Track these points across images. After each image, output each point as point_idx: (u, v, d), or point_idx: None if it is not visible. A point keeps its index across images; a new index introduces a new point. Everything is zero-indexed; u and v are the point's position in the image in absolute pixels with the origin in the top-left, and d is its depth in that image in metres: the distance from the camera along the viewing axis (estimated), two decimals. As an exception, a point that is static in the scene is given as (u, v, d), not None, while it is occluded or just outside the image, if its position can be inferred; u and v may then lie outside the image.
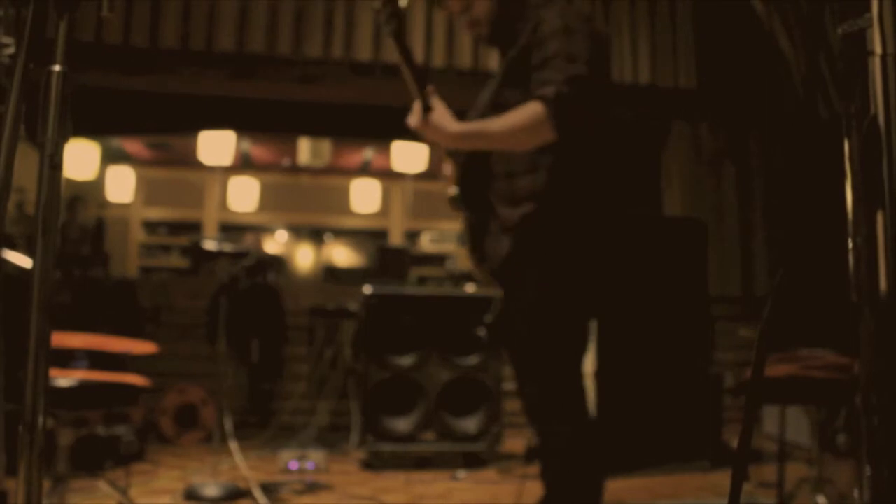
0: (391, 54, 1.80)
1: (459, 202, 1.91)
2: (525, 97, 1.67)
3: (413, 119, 1.76)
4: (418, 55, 4.54)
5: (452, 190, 1.92)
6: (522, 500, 2.58)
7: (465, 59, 4.62)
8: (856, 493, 0.91)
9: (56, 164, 1.02)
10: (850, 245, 0.88)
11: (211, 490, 2.81)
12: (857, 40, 0.88)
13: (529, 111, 1.64)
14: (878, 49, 0.86)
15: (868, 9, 0.87)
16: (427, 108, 1.74)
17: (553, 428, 1.75)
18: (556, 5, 1.78)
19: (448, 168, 1.96)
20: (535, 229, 1.75)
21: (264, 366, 4.22)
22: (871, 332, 0.85)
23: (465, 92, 4.74)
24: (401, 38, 1.73)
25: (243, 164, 8.05)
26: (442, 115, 1.73)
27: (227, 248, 3.38)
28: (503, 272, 1.83)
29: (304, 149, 7.10)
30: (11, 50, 1.27)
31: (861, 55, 0.87)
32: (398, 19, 1.72)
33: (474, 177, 1.87)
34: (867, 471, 0.84)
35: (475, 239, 1.91)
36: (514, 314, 1.82)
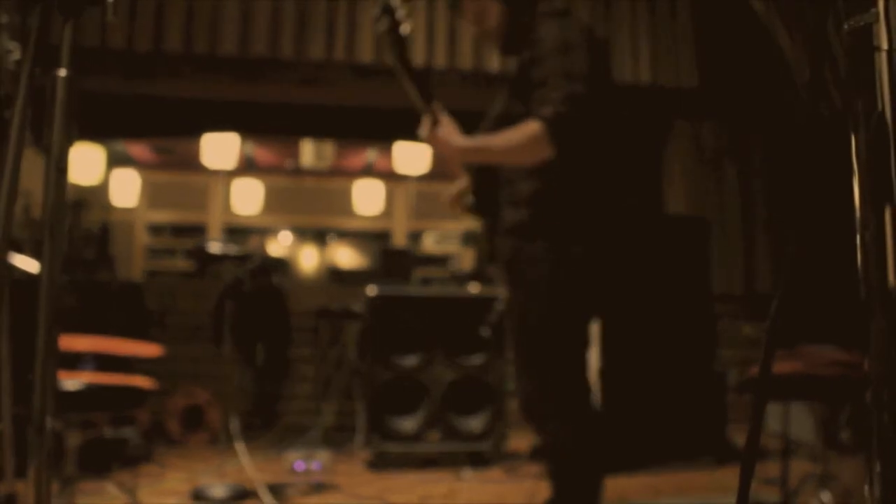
0: (395, 69, 1.88)
1: (474, 208, 2.01)
2: (527, 111, 1.74)
3: (422, 132, 1.86)
4: (420, 56, 4.55)
5: (469, 198, 2.03)
6: (535, 500, 2.59)
7: (466, 61, 4.63)
8: (865, 490, 0.91)
9: (62, 167, 1.03)
10: (858, 241, 0.88)
11: (217, 491, 2.83)
12: (863, 36, 0.88)
13: (529, 130, 1.71)
14: (884, 45, 0.87)
15: (873, 4, 0.87)
16: (435, 123, 1.83)
17: (554, 427, 1.80)
18: (558, 20, 1.83)
19: (461, 176, 2.06)
20: (533, 231, 1.82)
21: (270, 367, 4.23)
22: (880, 328, 0.86)
23: (466, 92, 4.79)
24: (405, 61, 1.83)
25: (247, 167, 8.07)
26: (448, 130, 1.83)
27: (232, 251, 3.39)
28: (507, 272, 1.91)
29: (307, 151, 7.11)
30: (17, 56, 1.29)
31: (867, 51, 0.87)
32: (401, 44, 1.82)
33: (487, 184, 1.96)
34: (877, 467, 0.84)
35: (489, 240, 2.01)
36: (515, 313, 1.90)
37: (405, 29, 1.82)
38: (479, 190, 2.00)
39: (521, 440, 3.90)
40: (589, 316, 1.87)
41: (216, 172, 7.50)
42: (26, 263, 1.71)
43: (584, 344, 1.86)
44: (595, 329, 3.28)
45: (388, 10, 1.82)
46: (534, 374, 1.85)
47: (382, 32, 1.82)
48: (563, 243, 1.79)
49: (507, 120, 1.82)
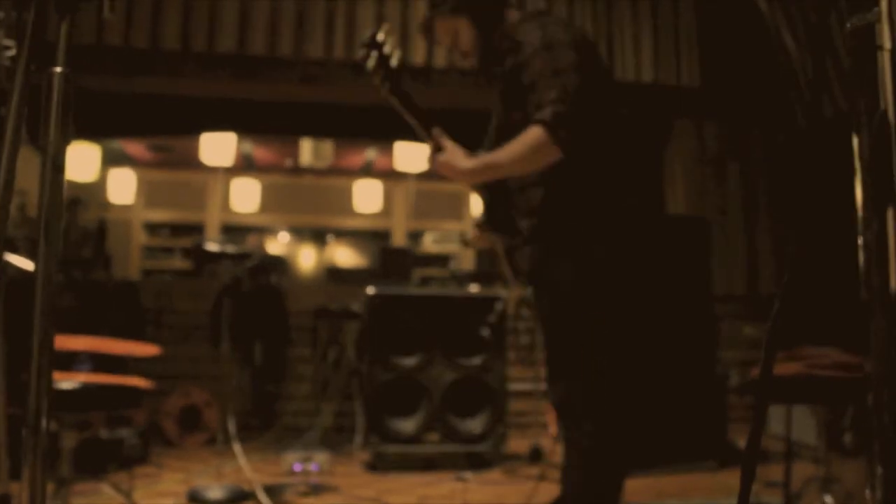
0: (392, 104, 1.88)
1: (486, 226, 1.99)
2: (526, 119, 1.73)
3: (428, 161, 1.88)
4: (420, 56, 4.54)
5: (479, 216, 2.01)
6: (534, 501, 2.58)
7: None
8: (867, 493, 0.90)
9: (58, 166, 1.02)
10: (860, 241, 0.88)
11: (215, 492, 2.81)
12: (865, 35, 0.88)
13: (531, 137, 1.69)
14: (886, 44, 0.86)
15: (876, 3, 0.87)
16: (438, 149, 1.83)
17: (576, 427, 1.79)
18: (537, 20, 1.82)
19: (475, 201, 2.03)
20: (552, 235, 1.81)
21: (268, 367, 4.22)
22: (882, 330, 0.85)
23: (466, 91, 4.78)
24: (400, 94, 1.84)
25: (245, 166, 8.05)
26: (453, 154, 1.82)
27: (230, 249, 3.38)
28: (531, 281, 1.91)
29: (306, 150, 7.11)
30: (13, 52, 1.27)
31: (870, 50, 0.87)
32: (392, 78, 1.83)
33: (497, 198, 1.94)
34: (878, 470, 0.83)
35: (509, 255, 1.99)
36: (543, 319, 1.90)
37: (395, 61, 1.82)
38: (490, 206, 1.98)
39: (520, 441, 3.90)
40: (614, 316, 1.85)
41: (214, 171, 7.49)
42: (22, 262, 1.69)
43: (611, 344, 1.84)
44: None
45: (375, 45, 1.81)
46: (564, 377, 1.83)
47: (373, 69, 1.81)
48: (583, 245, 1.78)
49: (507, 130, 1.81)
